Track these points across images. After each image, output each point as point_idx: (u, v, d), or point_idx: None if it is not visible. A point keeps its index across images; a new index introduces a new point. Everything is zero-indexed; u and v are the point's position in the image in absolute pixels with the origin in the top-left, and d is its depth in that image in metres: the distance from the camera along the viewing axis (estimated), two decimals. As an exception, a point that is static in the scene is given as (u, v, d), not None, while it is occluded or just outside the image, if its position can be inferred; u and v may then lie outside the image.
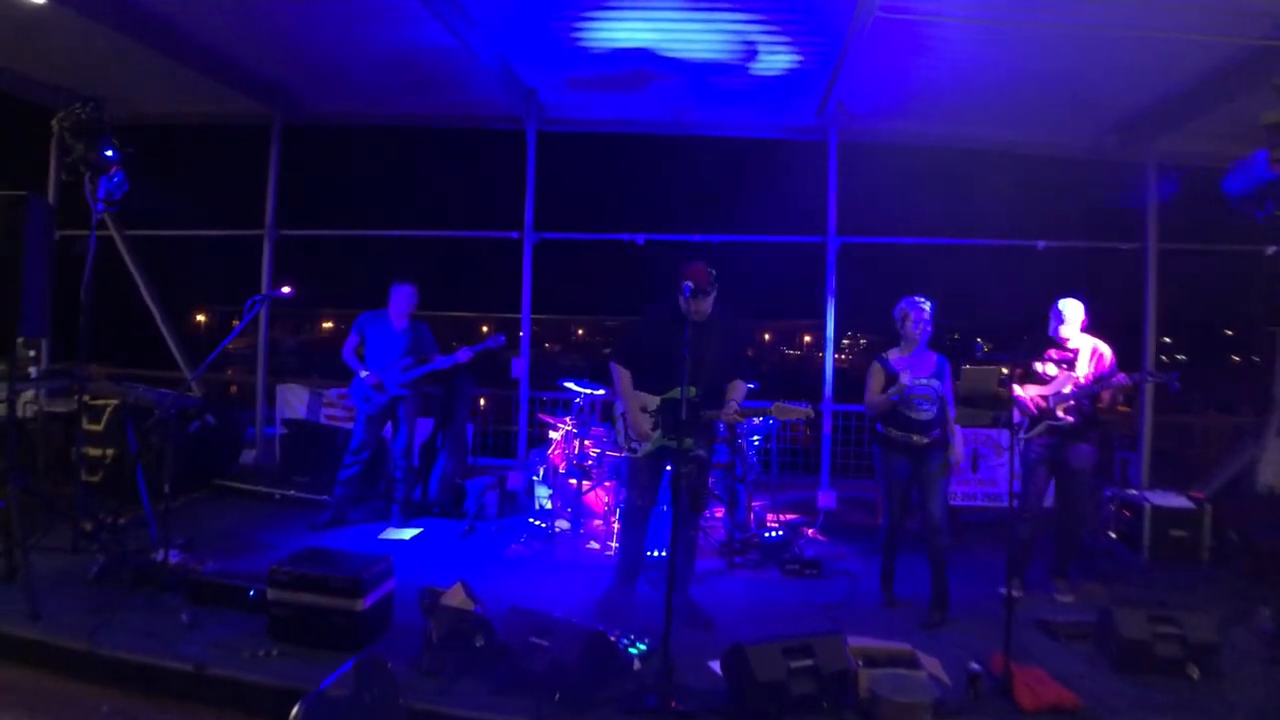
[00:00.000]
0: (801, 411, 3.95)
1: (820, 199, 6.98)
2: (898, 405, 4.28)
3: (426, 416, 6.74)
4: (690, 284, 3.88)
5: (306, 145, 8.33)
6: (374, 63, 6.57)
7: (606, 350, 4.70)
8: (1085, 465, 4.65)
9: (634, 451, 4.20)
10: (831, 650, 3.18)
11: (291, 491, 6.40)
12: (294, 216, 7.90)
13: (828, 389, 6.91)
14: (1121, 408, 6.01)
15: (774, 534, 5.34)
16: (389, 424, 5.92)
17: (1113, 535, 6.08)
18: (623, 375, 4.19)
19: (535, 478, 6.27)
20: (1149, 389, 6.63)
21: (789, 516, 6.34)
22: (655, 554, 4.74)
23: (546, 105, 7.33)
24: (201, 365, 4.34)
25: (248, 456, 7.30)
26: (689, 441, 4.01)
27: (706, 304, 4.01)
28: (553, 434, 5.89)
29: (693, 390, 3.96)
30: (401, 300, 5.77)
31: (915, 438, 4.26)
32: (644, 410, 4.15)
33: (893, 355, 4.40)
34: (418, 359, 5.75)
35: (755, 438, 5.69)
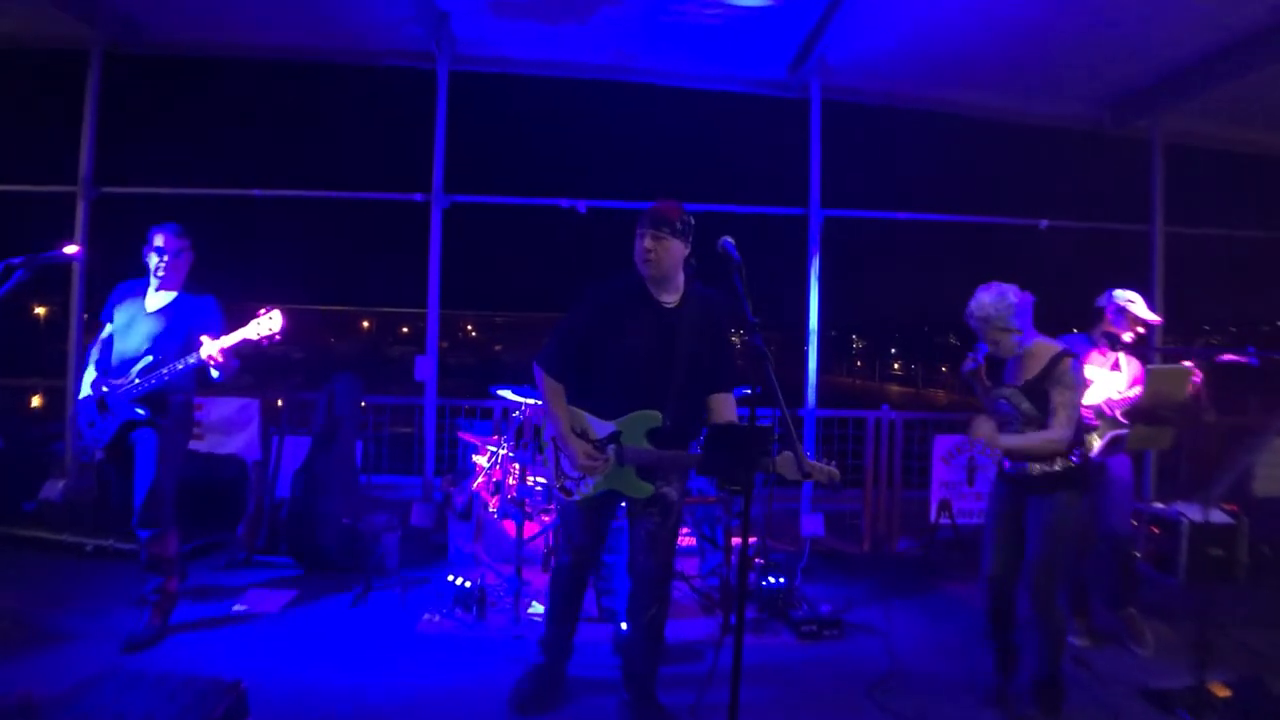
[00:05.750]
0: (829, 472, 2.62)
1: (796, 165, 5.89)
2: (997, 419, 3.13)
3: (303, 434, 5.17)
4: (643, 216, 2.76)
5: (144, 81, 6.47)
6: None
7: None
8: (1125, 474, 3.83)
9: (567, 491, 2.89)
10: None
11: (110, 541, 4.63)
12: (127, 170, 6.07)
13: (810, 392, 5.80)
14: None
15: (773, 580, 4.13)
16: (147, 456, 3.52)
17: (1137, 555, 5.28)
18: (551, 387, 2.86)
19: (452, 513, 4.83)
20: None
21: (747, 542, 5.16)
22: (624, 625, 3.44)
23: (463, 39, 5.90)
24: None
25: (52, 490, 5.41)
26: (649, 487, 2.82)
27: (669, 255, 2.76)
28: (478, 458, 4.46)
29: (657, 418, 2.77)
30: (154, 254, 3.57)
31: (1016, 466, 3.08)
32: (583, 436, 2.85)
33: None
34: (174, 354, 3.49)
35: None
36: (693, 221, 2.80)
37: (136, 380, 3.47)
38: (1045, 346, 3.02)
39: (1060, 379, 2.92)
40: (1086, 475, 3.02)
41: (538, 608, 3.93)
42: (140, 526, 3.49)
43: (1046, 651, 3.05)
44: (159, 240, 3.57)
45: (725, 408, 2.90)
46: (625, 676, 3.04)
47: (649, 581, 2.93)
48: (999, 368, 3.16)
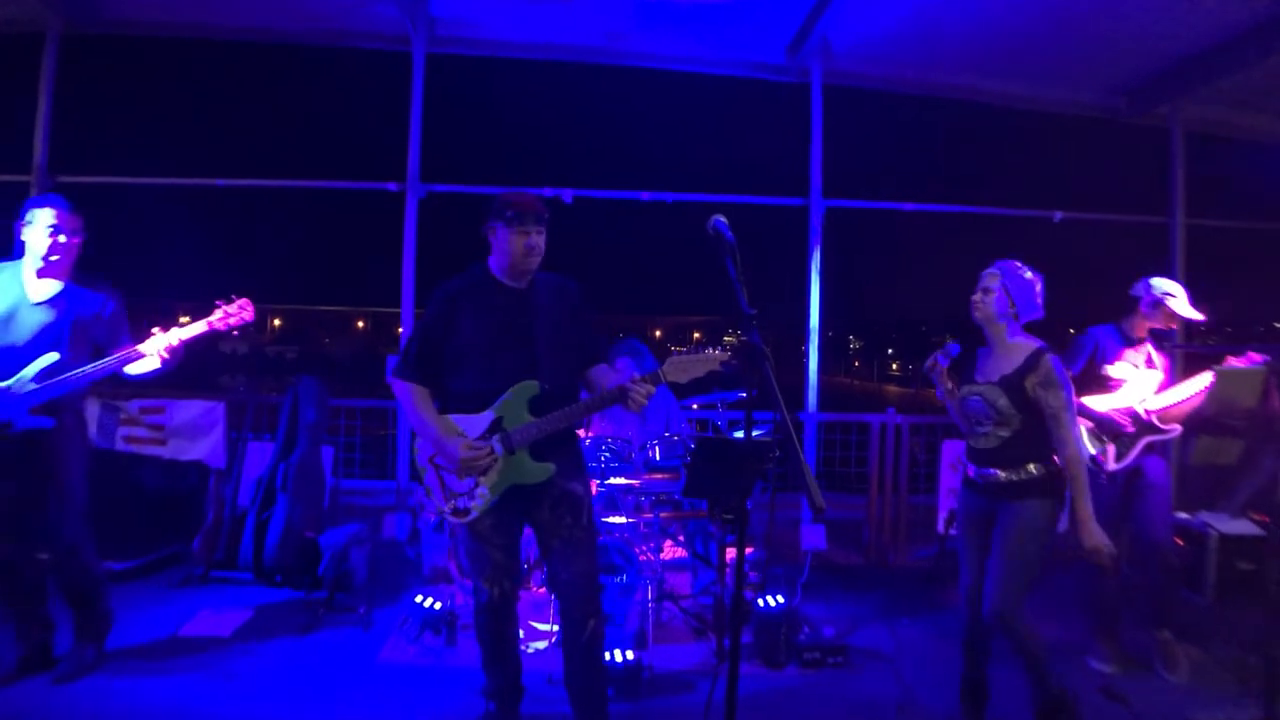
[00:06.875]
0: (713, 359, 2.50)
1: (796, 154, 5.57)
2: (960, 420, 2.92)
3: (268, 440, 4.83)
4: (516, 211, 2.54)
5: (103, 63, 6.12)
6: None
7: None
8: (1162, 480, 3.51)
9: (461, 512, 2.58)
10: None
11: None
12: (82, 158, 5.74)
13: (810, 395, 5.46)
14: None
15: (771, 601, 3.78)
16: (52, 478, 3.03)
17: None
18: (416, 395, 2.64)
19: (426, 524, 4.48)
20: None
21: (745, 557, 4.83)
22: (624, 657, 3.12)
23: (440, 19, 5.56)
24: None
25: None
26: (547, 467, 2.57)
27: (538, 246, 2.61)
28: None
29: (534, 387, 2.56)
30: (46, 232, 2.98)
31: (981, 473, 2.81)
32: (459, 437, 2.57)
33: (980, 350, 2.95)
34: (84, 355, 3.04)
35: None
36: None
37: (34, 385, 2.89)
38: (1023, 344, 2.78)
39: (1048, 380, 2.67)
40: (1059, 482, 2.72)
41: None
42: (58, 552, 3.08)
43: (1032, 673, 2.71)
44: (49, 217, 2.96)
45: (605, 379, 2.72)
46: (575, 713, 2.66)
47: (577, 595, 2.60)
48: (971, 368, 2.91)
